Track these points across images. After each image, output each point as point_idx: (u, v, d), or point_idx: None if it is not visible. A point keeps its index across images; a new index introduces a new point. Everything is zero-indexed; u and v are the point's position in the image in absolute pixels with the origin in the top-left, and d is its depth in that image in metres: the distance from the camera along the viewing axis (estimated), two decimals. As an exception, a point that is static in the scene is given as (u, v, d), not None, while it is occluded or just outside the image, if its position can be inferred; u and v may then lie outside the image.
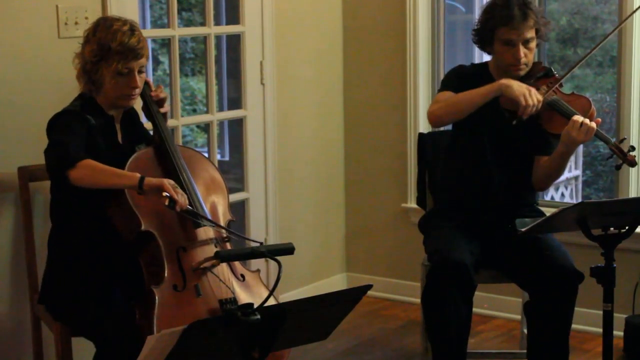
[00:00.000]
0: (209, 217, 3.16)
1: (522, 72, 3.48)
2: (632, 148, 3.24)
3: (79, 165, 2.96)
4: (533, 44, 3.47)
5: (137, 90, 3.16)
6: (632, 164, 3.23)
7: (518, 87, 3.35)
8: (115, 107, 3.20)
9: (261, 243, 2.94)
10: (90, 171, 2.97)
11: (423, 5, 4.74)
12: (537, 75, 3.49)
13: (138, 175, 2.96)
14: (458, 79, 3.59)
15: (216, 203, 3.27)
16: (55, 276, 3.19)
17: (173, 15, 4.16)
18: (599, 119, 3.32)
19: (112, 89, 3.12)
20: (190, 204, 3.05)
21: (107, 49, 3.07)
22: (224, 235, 3.19)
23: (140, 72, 3.13)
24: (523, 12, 3.41)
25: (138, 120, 3.39)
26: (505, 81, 3.39)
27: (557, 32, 8.50)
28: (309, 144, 4.89)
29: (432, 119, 3.54)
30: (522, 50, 3.43)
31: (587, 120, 3.26)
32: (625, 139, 3.32)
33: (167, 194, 2.93)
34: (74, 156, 2.97)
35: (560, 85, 3.47)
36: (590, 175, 8.41)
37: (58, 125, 3.10)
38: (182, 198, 2.97)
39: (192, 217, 3.06)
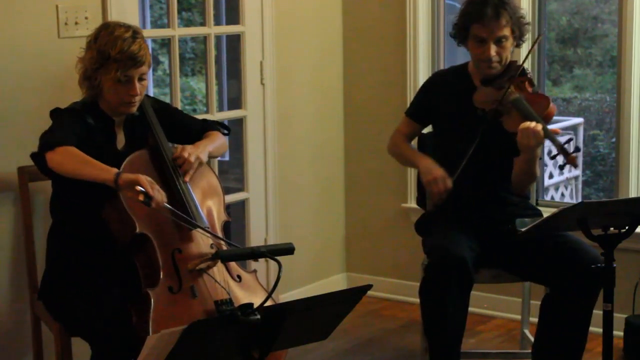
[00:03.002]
0: (205, 221, 3.15)
1: (494, 71, 3.50)
2: (577, 149, 3.23)
3: (58, 150, 2.92)
4: (507, 43, 3.47)
5: (137, 98, 3.13)
6: (574, 164, 3.20)
7: (427, 174, 3.48)
8: (117, 114, 3.20)
9: (233, 244, 3.00)
10: (69, 157, 2.92)
11: (423, 5, 4.74)
12: (510, 74, 3.47)
13: (115, 170, 2.90)
14: (425, 96, 3.70)
15: (212, 204, 3.26)
16: (52, 275, 3.19)
17: (173, 15, 4.16)
18: (553, 109, 3.36)
19: (112, 96, 3.11)
20: (178, 203, 3.03)
21: (107, 56, 3.04)
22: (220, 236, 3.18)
23: (141, 79, 3.11)
24: (496, 10, 3.43)
25: (168, 115, 3.36)
26: (422, 164, 3.53)
27: (557, 32, 8.50)
28: (309, 144, 4.89)
29: (388, 152, 3.83)
30: (494, 48, 3.45)
31: (532, 125, 3.26)
32: (572, 139, 3.32)
33: (142, 189, 2.84)
34: (57, 140, 2.94)
35: (531, 84, 3.47)
36: (590, 175, 8.42)
37: (55, 120, 3.10)
38: (158, 194, 2.89)
39: (172, 216, 2.99)
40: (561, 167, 3.24)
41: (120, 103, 3.12)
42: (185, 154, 3.16)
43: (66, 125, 3.04)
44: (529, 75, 3.50)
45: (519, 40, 3.52)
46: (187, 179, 3.14)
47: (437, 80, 3.72)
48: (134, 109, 3.18)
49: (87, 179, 2.91)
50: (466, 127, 3.47)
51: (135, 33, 3.10)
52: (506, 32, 3.45)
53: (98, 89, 3.11)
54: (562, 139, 3.25)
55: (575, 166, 3.23)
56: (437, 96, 3.65)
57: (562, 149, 3.20)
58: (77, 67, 3.16)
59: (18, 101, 3.48)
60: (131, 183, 2.85)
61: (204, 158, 3.23)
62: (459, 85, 3.59)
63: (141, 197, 2.83)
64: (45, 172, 3.01)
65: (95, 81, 3.09)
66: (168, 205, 2.92)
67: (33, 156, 3.02)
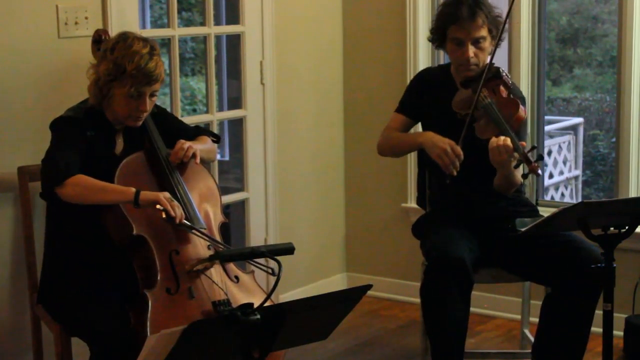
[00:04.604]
0: (202, 222, 3.15)
1: (472, 73, 3.48)
2: (540, 157, 3.21)
3: (67, 183, 2.96)
4: (484, 44, 3.46)
5: (145, 114, 3.14)
6: (535, 172, 3.17)
7: (434, 148, 3.37)
8: (120, 123, 3.19)
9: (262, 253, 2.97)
10: (81, 189, 2.97)
11: (423, 5, 4.74)
12: (486, 77, 3.42)
13: (133, 189, 2.96)
14: (415, 92, 3.66)
15: (208, 205, 3.26)
16: (51, 278, 3.19)
17: (173, 15, 4.16)
18: (522, 114, 3.34)
19: (121, 108, 3.10)
20: (186, 216, 3.05)
21: (122, 70, 3.03)
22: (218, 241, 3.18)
23: (152, 95, 3.11)
24: (472, 10, 3.41)
25: (165, 120, 3.37)
26: (425, 139, 3.43)
27: (557, 32, 8.51)
28: (309, 144, 4.89)
29: (378, 151, 3.72)
30: (472, 49, 3.44)
31: (500, 141, 3.24)
32: (535, 147, 3.31)
33: (162, 208, 2.94)
34: (63, 173, 2.97)
35: (507, 87, 3.43)
36: (590, 175, 8.42)
37: (55, 137, 3.09)
38: (178, 211, 2.98)
39: (189, 230, 3.06)
40: (524, 176, 3.23)
41: (128, 116, 3.12)
42: (182, 144, 3.20)
43: (67, 149, 3.04)
44: (504, 77, 3.45)
45: (497, 40, 3.46)
46: (178, 158, 3.17)
47: (425, 78, 3.70)
48: (140, 123, 3.17)
49: (106, 204, 3.00)
50: (450, 128, 3.45)
51: (153, 49, 3.09)
52: (483, 32, 3.43)
53: (107, 99, 3.11)
54: (526, 149, 3.22)
55: (537, 175, 3.21)
56: (423, 94, 3.63)
57: (525, 158, 3.18)
58: (88, 72, 3.16)
59: (18, 101, 3.48)
60: (151, 202, 2.94)
61: (197, 153, 3.24)
62: (442, 86, 3.58)
63: (164, 215, 2.94)
64: (60, 202, 3.02)
65: (107, 91, 3.09)
66: (185, 222, 3.02)
67: (43, 195, 3.07)
